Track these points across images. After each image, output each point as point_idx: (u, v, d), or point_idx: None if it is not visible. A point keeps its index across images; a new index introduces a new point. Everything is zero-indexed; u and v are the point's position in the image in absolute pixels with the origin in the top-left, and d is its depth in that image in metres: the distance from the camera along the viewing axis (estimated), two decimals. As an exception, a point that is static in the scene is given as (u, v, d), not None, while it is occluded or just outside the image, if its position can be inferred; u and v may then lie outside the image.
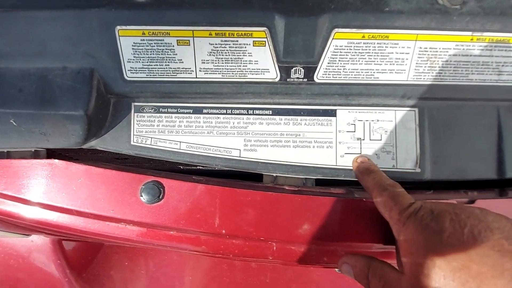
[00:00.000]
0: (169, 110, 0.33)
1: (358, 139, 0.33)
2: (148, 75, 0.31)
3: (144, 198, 0.31)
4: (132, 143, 0.33)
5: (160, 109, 0.33)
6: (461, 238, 0.20)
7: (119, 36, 0.29)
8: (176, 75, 0.31)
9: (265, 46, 0.30)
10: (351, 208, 0.30)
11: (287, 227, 0.30)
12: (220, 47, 0.30)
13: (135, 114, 0.33)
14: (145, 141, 0.33)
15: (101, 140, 0.33)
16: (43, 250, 0.46)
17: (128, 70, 0.31)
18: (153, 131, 0.33)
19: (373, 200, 0.27)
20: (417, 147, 0.32)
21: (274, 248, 0.31)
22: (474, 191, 0.33)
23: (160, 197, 0.31)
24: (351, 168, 0.32)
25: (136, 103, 0.33)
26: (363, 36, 0.30)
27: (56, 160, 0.32)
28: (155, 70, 0.31)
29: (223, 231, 0.30)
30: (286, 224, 0.30)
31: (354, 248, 0.30)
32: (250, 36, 0.29)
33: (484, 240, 0.20)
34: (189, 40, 0.30)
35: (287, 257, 0.31)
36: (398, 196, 0.25)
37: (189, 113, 0.33)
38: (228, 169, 0.33)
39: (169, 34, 0.29)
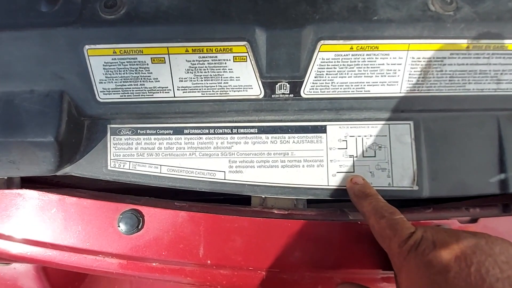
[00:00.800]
0: (148, 131, 0.31)
1: (351, 156, 0.30)
2: (122, 96, 0.29)
3: (122, 228, 0.29)
4: (109, 168, 0.31)
5: (138, 131, 0.31)
6: (468, 279, 0.18)
7: (88, 55, 0.27)
8: (152, 95, 0.29)
9: (246, 61, 0.28)
10: (345, 232, 0.28)
11: (278, 255, 0.28)
12: (198, 64, 0.28)
13: (112, 137, 0.31)
14: (123, 166, 0.31)
15: (76, 166, 0.31)
16: (27, 277, 0.44)
17: (101, 92, 0.29)
18: (131, 154, 0.31)
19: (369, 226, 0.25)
20: (413, 163, 0.30)
21: (265, 277, 0.29)
22: (477, 207, 0.31)
23: (139, 227, 0.29)
24: (344, 187, 0.30)
25: (112, 125, 0.31)
26: (351, 48, 0.28)
27: (27, 190, 0.30)
28: (130, 91, 0.29)
29: (209, 262, 0.28)
30: (276, 252, 0.28)
31: (351, 274, 0.28)
32: (229, 51, 0.27)
33: (492, 280, 0.18)
34: (164, 58, 0.27)
35: (279, 287, 0.29)
36: (397, 225, 0.23)
37: (169, 134, 0.31)
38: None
39: (142, 52, 0.27)
